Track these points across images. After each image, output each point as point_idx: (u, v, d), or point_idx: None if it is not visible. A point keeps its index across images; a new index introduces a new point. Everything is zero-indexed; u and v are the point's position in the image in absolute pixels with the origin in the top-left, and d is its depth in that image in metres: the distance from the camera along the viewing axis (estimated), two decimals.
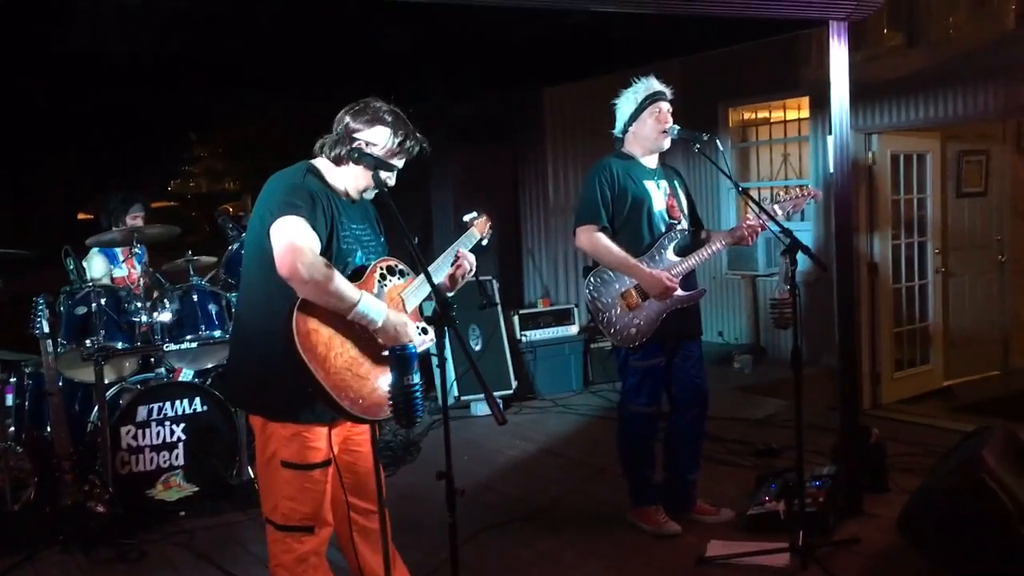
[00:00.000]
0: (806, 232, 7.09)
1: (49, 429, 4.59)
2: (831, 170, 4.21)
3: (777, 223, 3.66)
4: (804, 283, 6.89)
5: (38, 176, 10.06)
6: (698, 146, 3.87)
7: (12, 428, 4.66)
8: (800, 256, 3.55)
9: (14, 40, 5.36)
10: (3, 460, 4.47)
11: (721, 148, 3.85)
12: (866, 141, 6.46)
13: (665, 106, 3.96)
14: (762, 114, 8.07)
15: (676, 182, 4.10)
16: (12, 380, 4.74)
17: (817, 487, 4.01)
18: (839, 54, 4.05)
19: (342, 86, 3.10)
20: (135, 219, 5.33)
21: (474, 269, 3.18)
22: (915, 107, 6.13)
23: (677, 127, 3.93)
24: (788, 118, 7.80)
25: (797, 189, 3.88)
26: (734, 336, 8.03)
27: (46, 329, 4.31)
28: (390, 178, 2.94)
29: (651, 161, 4.03)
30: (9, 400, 4.71)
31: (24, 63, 5.93)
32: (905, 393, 6.72)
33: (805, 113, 7.50)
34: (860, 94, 5.36)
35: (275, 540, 2.96)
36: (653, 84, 4.00)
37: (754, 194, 7.76)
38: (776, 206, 3.81)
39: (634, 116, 3.97)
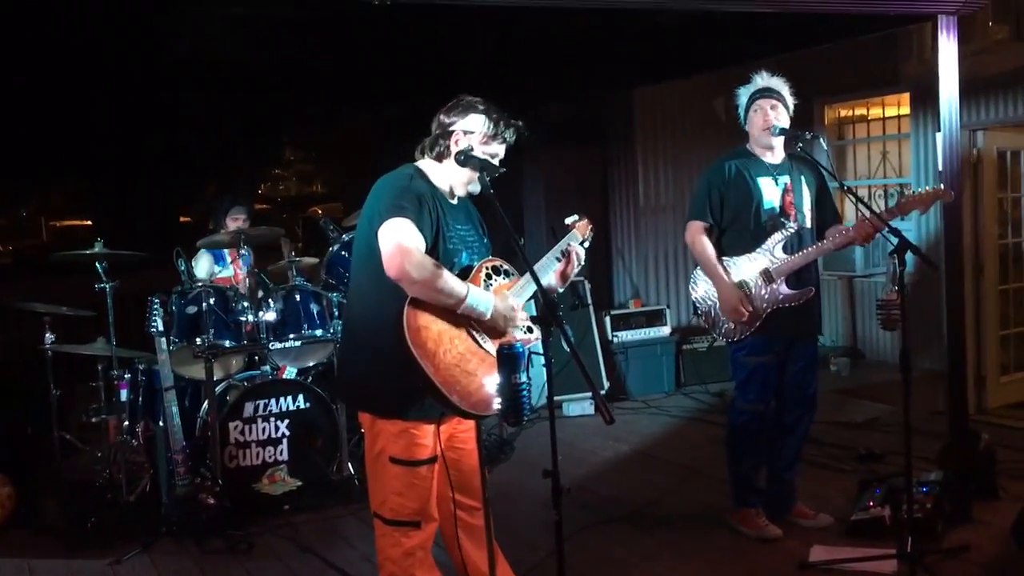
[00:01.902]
0: (908, 232, 6.89)
1: (162, 423, 4.80)
2: (939, 168, 4.11)
3: (886, 223, 3.58)
4: (909, 284, 6.73)
5: (142, 181, 10.44)
6: (800, 144, 3.83)
7: (127, 423, 4.87)
8: (907, 256, 3.47)
9: (119, 48, 5.61)
10: (119, 453, 4.69)
11: (825, 147, 3.79)
12: (971, 137, 6.26)
13: (768, 103, 3.92)
14: (859, 111, 7.88)
15: (803, 177, 4.02)
16: (127, 376, 4.94)
17: (924, 493, 3.91)
18: (948, 49, 3.96)
19: (430, 90, 3.17)
20: (236, 221, 5.52)
21: (583, 263, 3.20)
22: (1022, 102, 5.92)
23: (779, 126, 3.88)
24: (887, 115, 7.61)
25: (927, 189, 3.78)
26: (831, 338, 7.85)
27: (161, 327, 4.50)
28: (496, 172, 2.97)
29: (772, 156, 3.98)
30: (124, 395, 4.92)
31: (126, 71, 6.18)
32: (1011, 398, 6.47)
33: (905, 109, 7.30)
34: (965, 89, 5.19)
35: (383, 534, 3.03)
36: (758, 81, 3.98)
37: (856, 193, 7.66)
38: (897, 207, 3.72)
39: (744, 114, 4.00)
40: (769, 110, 3.91)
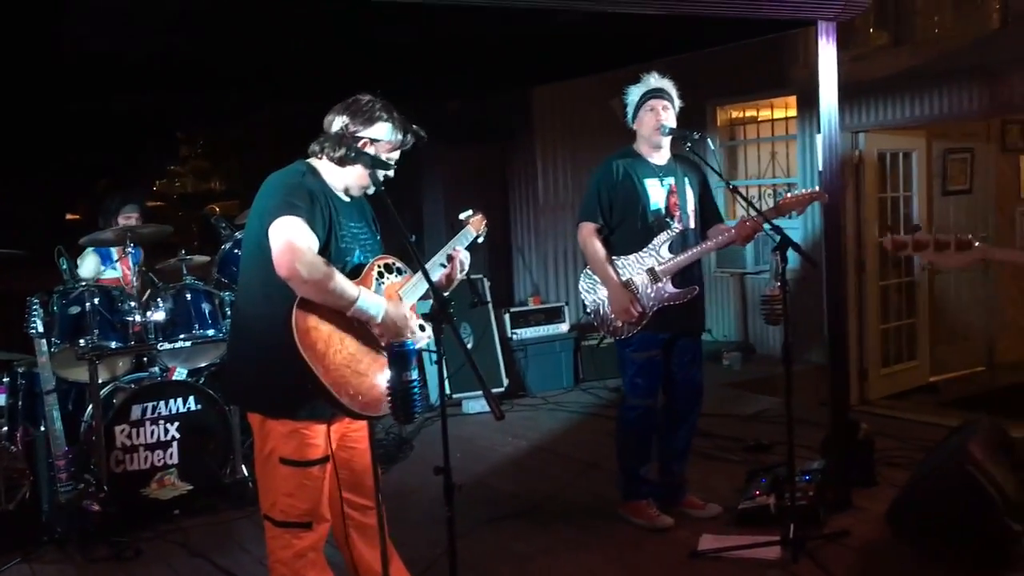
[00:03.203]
0: (794, 230, 7.15)
1: (43, 428, 4.61)
2: (820, 169, 4.27)
3: (769, 221, 3.71)
4: (793, 280, 6.97)
5: (27, 177, 10.02)
6: (689, 144, 3.93)
7: (5, 428, 4.68)
8: (791, 253, 3.61)
9: (4, 40, 5.37)
10: None
11: (712, 147, 3.90)
12: (853, 139, 6.53)
13: (660, 103, 4.01)
14: (750, 113, 8.13)
15: (687, 178, 4.13)
16: (5, 380, 4.75)
17: (807, 481, 4.06)
18: (828, 54, 4.11)
19: (330, 86, 3.13)
20: (128, 219, 5.34)
21: (467, 268, 3.21)
22: (901, 106, 6.20)
23: (668, 126, 3.98)
24: (776, 117, 7.87)
25: (804, 191, 3.92)
26: (723, 333, 8.09)
27: (40, 328, 4.33)
28: (389, 173, 2.97)
29: (659, 157, 4.08)
30: (2, 400, 4.73)
31: (13, 64, 5.93)
32: (892, 389, 6.80)
33: (792, 112, 7.57)
34: (847, 93, 5.39)
35: (273, 536, 2.99)
36: (650, 81, 4.07)
37: (742, 192, 7.88)
38: (775, 208, 3.85)
39: (634, 113, 4.07)
40: (661, 110, 4.00)
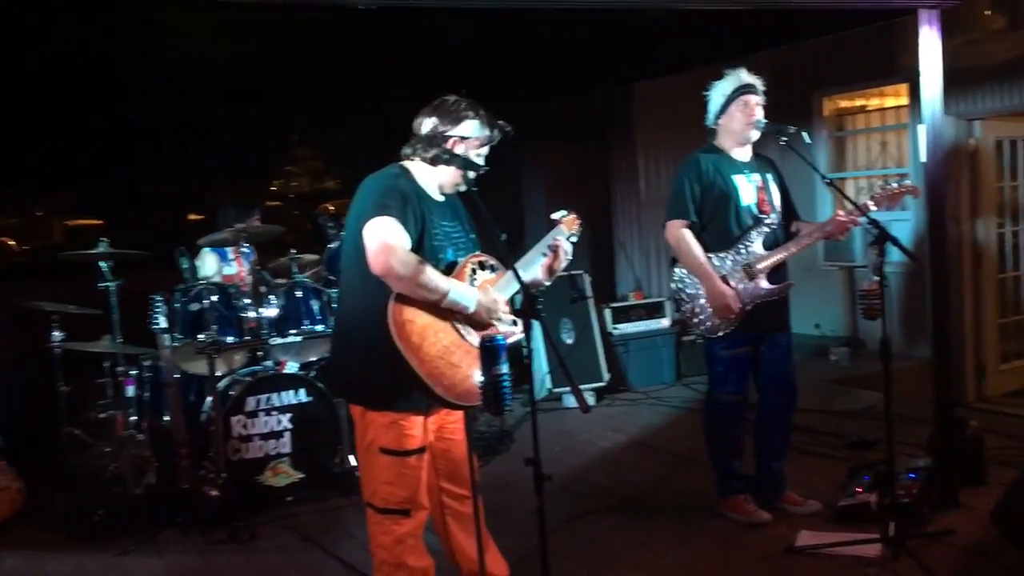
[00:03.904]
0: (906, 222, 6.93)
1: (167, 418, 4.91)
2: (922, 160, 4.16)
3: (866, 215, 3.64)
4: (905, 273, 6.76)
5: (150, 180, 10.59)
6: (784, 139, 3.89)
7: (133, 417, 4.99)
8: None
9: (127, 56, 5.73)
10: (126, 447, 4.81)
11: (808, 140, 3.85)
12: (968, 127, 6.29)
13: (753, 99, 3.99)
14: (859, 102, 7.91)
15: (769, 175, 4.11)
16: (133, 373, 5.06)
17: (912, 479, 3.98)
18: (930, 42, 4.00)
19: (432, 88, 3.24)
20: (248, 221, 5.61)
21: (569, 258, 3.27)
22: (1019, 91, 5.94)
23: (764, 120, 3.95)
24: (886, 105, 7.64)
25: (895, 185, 3.84)
26: (830, 328, 7.89)
27: (163, 324, 4.62)
28: (480, 170, 3.05)
29: (742, 154, 4.06)
30: (130, 391, 5.04)
31: (138, 76, 6.32)
32: (1011, 386, 6.52)
33: (904, 100, 7.33)
34: (960, 79, 5.22)
35: (375, 522, 3.14)
36: (742, 76, 4.03)
37: (851, 184, 7.68)
38: (870, 201, 3.79)
39: (722, 109, 4.03)
40: (755, 106, 3.98)
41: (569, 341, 6.61)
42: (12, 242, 14.37)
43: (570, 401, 6.49)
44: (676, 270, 4.08)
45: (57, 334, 4.98)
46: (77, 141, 8.87)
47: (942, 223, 4.10)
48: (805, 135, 3.86)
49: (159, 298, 4.68)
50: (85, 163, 9.51)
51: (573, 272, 6.65)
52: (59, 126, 8.32)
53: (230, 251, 5.61)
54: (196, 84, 6.73)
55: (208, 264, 5.63)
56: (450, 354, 2.92)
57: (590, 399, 6.43)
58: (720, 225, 3.99)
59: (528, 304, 2.72)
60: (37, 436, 5.35)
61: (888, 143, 7.66)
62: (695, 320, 4.02)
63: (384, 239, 2.84)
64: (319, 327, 4.94)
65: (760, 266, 3.92)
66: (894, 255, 3.68)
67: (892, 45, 6.92)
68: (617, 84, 7.95)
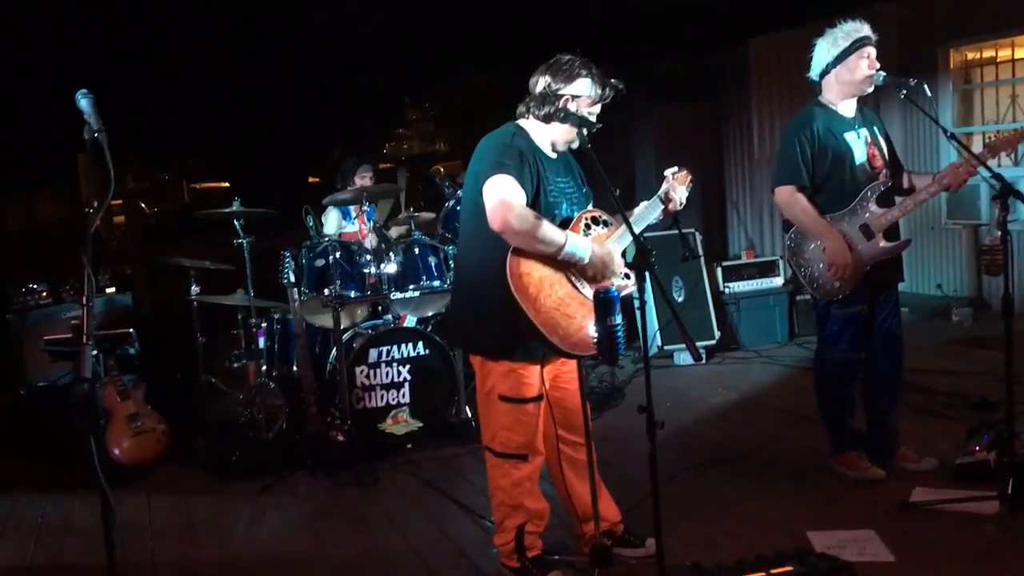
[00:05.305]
0: None
1: (296, 368, 5.20)
2: None
3: (988, 167, 3.55)
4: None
5: (275, 144, 11.04)
6: (904, 92, 3.79)
7: (265, 367, 5.31)
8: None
9: (251, 28, 6.00)
10: (258, 395, 5.12)
11: (929, 93, 3.75)
12: None
13: (873, 51, 3.90)
14: (988, 54, 7.58)
15: (876, 127, 4.03)
16: (263, 325, 5.37)
17: None
18: None
19: (542, 50, 3.32)
20: (363, 179, 5.87)
21: (684, 203, 3.33)
22: None
23: (883, 73, 3.86)
24: (1017, 57, 7.30)
25: (1010, 131, 3.71)
26: (953, 288, 7.67)
27: (292, 279, 4.88)
28: (593, 128, 3.13)
29: (849, 108, 3.98)
30: (262, 342, 5.36)
31: (263, 47, 6.61)
32: None
33: None
34: None
35: (494, 466, 3.31)
36: (864, 27, 3.92)
37: (977, 139, 7.39)
38: (985, 149, 3.68)
39: (840, 58, 3.87)
40: (873, 58, 3.89)
41: (680, 299, 6.63)
42: (144, 205, 15.20)
43: (681, 358, 6.53)
44: (791, 233, 4.01)
45: (195, 288, 5.32)
46: (206, 111, 9.33)
47: None
48: (926, 88, 3.76)
49: (288, 254, 4.94)
50: (215, 132, 10.02)
51: (684, 230, 6.64)
52: (186, 97, 8.75)
53: (353, 210, 5.85)
54: (316, 52, 6.98)
55: (331, 222, 5.89)
56: (565, 305, 3.04)
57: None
58: (835, 186, 3.90)
59: (641, 257, 2.80)
60: (178, 384, 5.75)
61: (1019, 96, 7.33)
62: (813, 284, 3.97)
63: (502, 196, 2.95)
64: (436, 283, 5.11)
65: (877, 223, 3.86)
66: (1021, 212, 3.59)
67: None
68: (732, 42, 7.83)
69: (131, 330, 5.71)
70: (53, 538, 4.21)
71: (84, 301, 2.36)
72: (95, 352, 2.39)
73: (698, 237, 6.90)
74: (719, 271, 7.02)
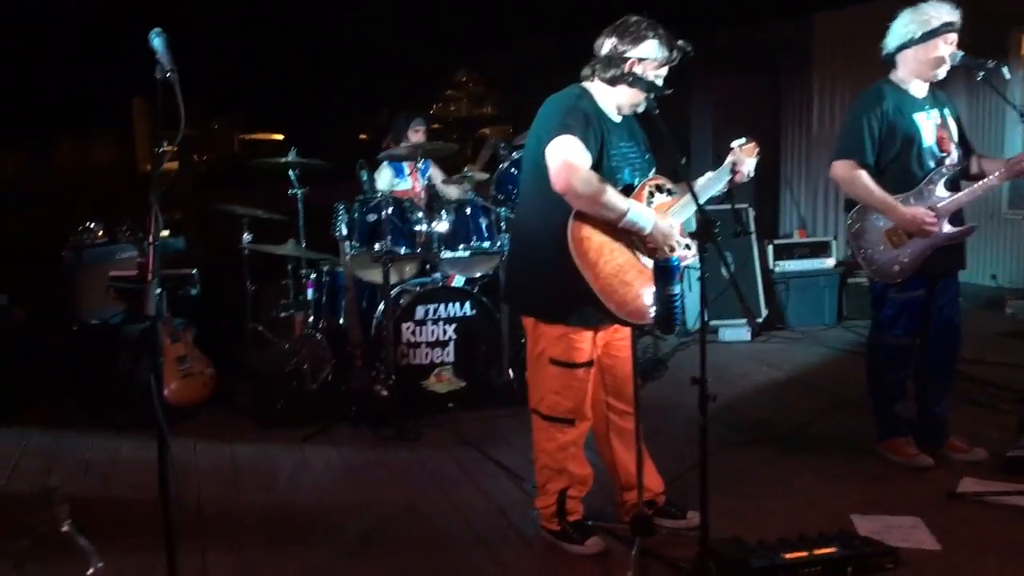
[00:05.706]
0: None
1: (342, 320, 5.23)
2: None
3: None
4: None
5: (330, 102, 11.10)
6: (981, 74, 3.69)
7: (312, 318, 5.35)
8: None
9: None
10: (304, 346, 5.17)
11: (1008, 76, 3.64)
12: None
13: (955, 38, 3.79)
14: None
15: (946, 109, 3.92)
16: (313, 276, 5.40)
17: None
18: None
19: (597, 17, 3.26)
20: (416, 133, 5.84)
21: (752, 174, 3.27)
22: None
23: (960, 52, 3.76)
24: None
25: None
26: (1008, 280, 7.50)
27: (344, 232, 4.90)
28: (661, 92, 3.07)
29: (920, 89, 3.88)
30: (310, 294, 5.39)
31: (314, 14, 6.59)
32: None
33: None
34: None
35: (540, 429, 3.31)
36: (954, 13, 3.77)
37: None
38: None
39: (925, 37, 3.75)
40: (955, 46, 3.79)
41: (726, 275, 6.56)
42: (195, 154, 15.36)
43: (726, 334, 6.48)
44: (853, 214, 3.93)
45: (247, 236, 5.35)
46: (263, 65, 9.39)
47: None
48: (1005, 71, 3.65)
49: (341, 207, 4.95)
50: (268, 84, 10.10)
51: (738, 206, 6.57)
52: (240, 49, 8.80)
53: (406, 166, 5.84)
54: (370, 9, 6.95)
55: (384, 178, 5.89)
56: (624, 272, 3.01)
57: (744, 334, 6.41)
58: (901, 167, 3.81)
59: (704, 229, 2.76)
60: (226, 330, 5.81)
61: None
62: (873, 267, 3.90)
63: (566, 157, 2.93)
64: (486, 244, 5.09)
65: (943, 208, 3.78)
66: None
67: None
68: (795, 15, 7.67)
69: (194, 271, 5.77)
70: (102, 474, 4.30)
71: (151, 239, 2.39)
72: (158, 291, 2.41)
73: (751, 213, 6.82)
74: (770, 249, 6.94)
